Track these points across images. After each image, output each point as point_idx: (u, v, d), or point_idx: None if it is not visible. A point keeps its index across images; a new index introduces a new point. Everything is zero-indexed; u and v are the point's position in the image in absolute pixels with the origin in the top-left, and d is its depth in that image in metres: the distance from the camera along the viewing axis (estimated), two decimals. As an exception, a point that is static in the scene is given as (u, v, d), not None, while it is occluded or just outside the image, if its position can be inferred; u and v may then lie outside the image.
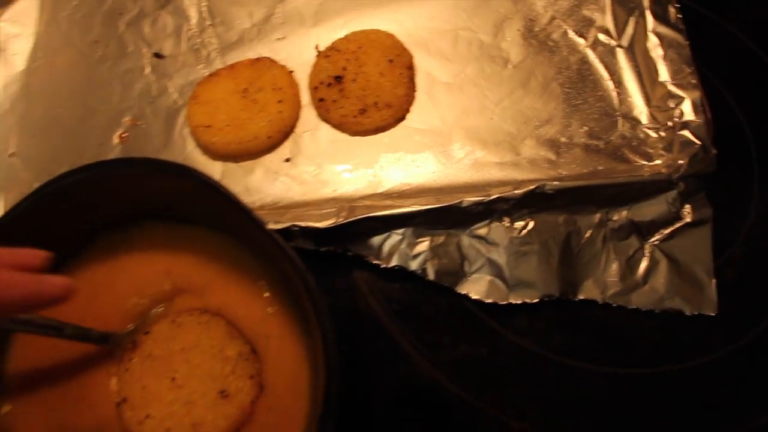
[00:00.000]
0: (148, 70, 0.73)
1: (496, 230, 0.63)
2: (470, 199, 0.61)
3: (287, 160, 0.68)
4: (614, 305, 0.62)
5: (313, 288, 0.47)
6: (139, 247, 0.58)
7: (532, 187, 0.62)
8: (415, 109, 0.70)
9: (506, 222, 0.63)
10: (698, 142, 0.64)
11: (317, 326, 0.47)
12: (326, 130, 0.69)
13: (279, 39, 0.74)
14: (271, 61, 0.71)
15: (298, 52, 0.73)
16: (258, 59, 0.71)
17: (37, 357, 0.57)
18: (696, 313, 0.62)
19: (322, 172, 0.67)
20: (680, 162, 0.63)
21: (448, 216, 0.62)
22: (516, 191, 0.62)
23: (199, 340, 0.55)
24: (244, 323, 0.55)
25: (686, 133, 0.64)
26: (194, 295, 0.57)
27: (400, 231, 0.63)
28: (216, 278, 0.57)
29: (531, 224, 0.63)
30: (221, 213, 0.54)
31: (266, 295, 0.56)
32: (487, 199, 0.61)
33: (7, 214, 0.51)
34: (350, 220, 0.61)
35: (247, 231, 0.53)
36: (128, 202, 0.55)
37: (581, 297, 0.62)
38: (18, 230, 0.52)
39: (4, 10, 0.76)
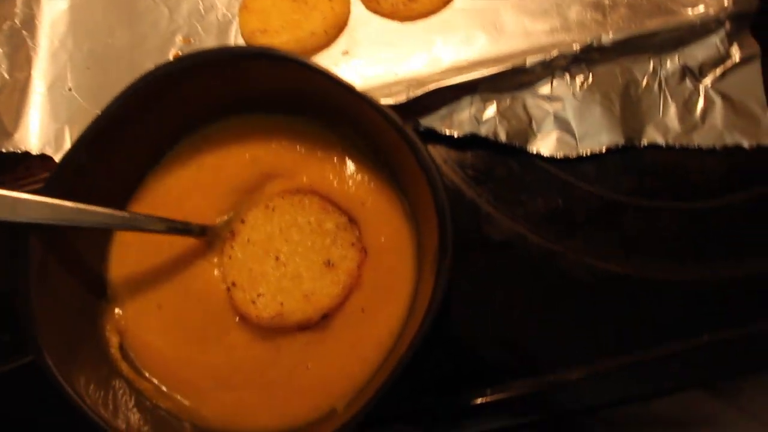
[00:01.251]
0: None
1: (558, 87, 0.65)
2: (532, 58, 0.63)
3: (345, 53, 0.70)
4: (677, 146, 0.65)
5: (417, 142, 0.50)
6: (223, 141, 0.60)
7: (588, 40, 0.64)
8: (461, -9, 0.72)
9: (567, 78, 0.65)
10: (739, -19, 0.67)
11: (422, 173, 0.50)
12: (377, 20, 0.71)
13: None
14: (314, -41, 0.73)
15: (338, -50, 0.75)
16: (299, -42, 0.74)
17: (137, 259, 0.59)
18: (755, 144, 0.65)
19: (381, 59, 0.69)
20: (725, 3, 0.65)
21: (511, 79, 0.65)
22: (574, 45, 0.64)
23: (295, 219, 0.57)
24: (338, 196, 0.58)
25: None
26: (284, 178, 0.59)
27: (468, 98, 0.65)
28: (302, 159, 0.59)
29: (591, 77, 0.65)
30: (311, 96, 0.57)
31: (353, 167, 0.59)
32: (549, 57, 0.63)
33: (116, 99, 0.52)
34: (422, 92, 0.63)
35: (342, 108, 0.56)
36: (220, 93, 0.57)
37: (645, 142, 0.65)
38: (121, 117, 0.53)
39: None
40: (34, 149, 0.69)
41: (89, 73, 0.73)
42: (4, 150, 0.68)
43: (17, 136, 0.69)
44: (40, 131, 0.70)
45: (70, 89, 0.72)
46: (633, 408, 0.72)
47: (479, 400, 0.59)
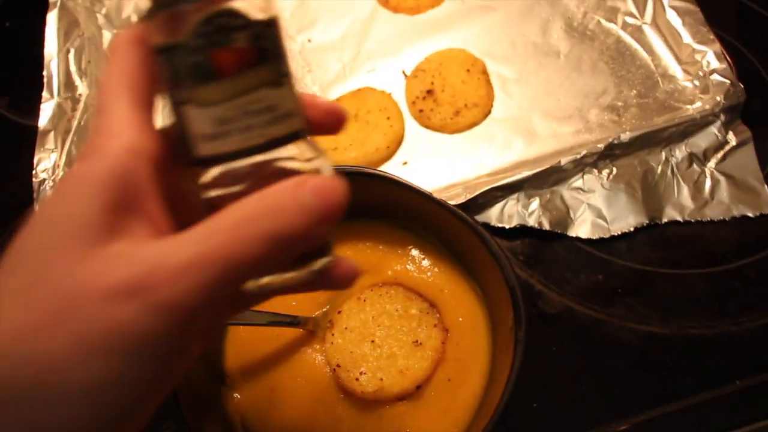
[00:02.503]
0: None
1: (588, 180, 0.79)
2: (566, 158, 0.77)
3: (405, 163, 0.83)
4: (693, 221, 0.78)
5: (487, 235, 0.62)
6: None
7: (610, 139, 0.78)
8: (496, 104, 0.86)
9: (595, 172, 0.79)
10: (727, 80, 0.81)
11: (493, 260, 0.62)
12: (429, 134, 0.85)
13: (369, 71, 0.90)
14: (370, 89, 0.87)
15: (389, 78, 0.89)
16: (359, 89, 0.87)
17: (250, 350, 0.70)
18: (758, 213, 0.78)
19: (435, 166, 0.82)
20: (717, 98, 0.80)
21: (549, 176, 0.78)
22: (599, 145, 0.78)
23: (384, 308, 0.69)
24: (419, 285, 0.70)
25: (715, 77, 0.82)
26: (371, 273, 0.71)
27: (514, 196, 0.78)
28: (385, 256, 0.71)
29: (615, 170, 0.79)
30: (390, 202, 0.69)
31: (429, 260, 0.71)
32: (579, 155, 0.77)
33: None
34: (477, 193, 0.76)
35: (416, 211, 0.68)
36: None
37: (666, 219, 0.78)
38: None
39: None
40: None
41: None
42: None
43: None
44: None
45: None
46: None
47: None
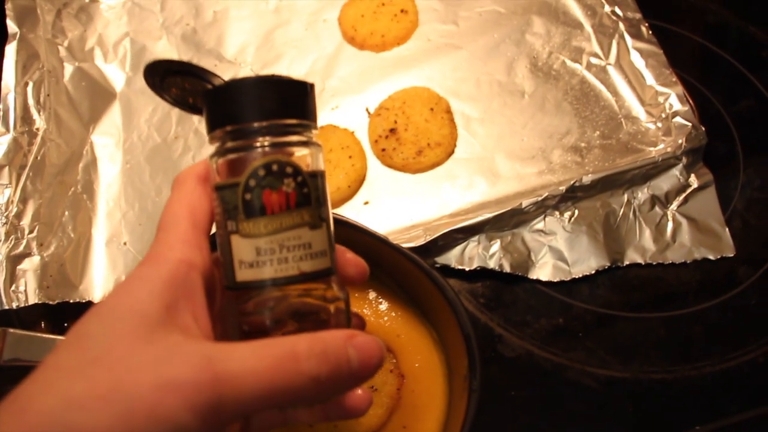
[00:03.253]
0: None
1: (550, 222, 0.79)
2: (527, 200, 0.77)
3: (366, 203, 0.83)
4: (654, 263, 0.78)
5: (442, 281, 0.62)
6: None
7: (572, 181, 0.78)
8: (460, 144, 0.86)
9: (557, 215, 0.79)
10: (689, 123, 0.81)
11: (448, 306, 0.62)
12: (392, 174, 0.85)
13: (333, 109, 0.90)
14: (333, 126, 0.87)
15: (353, 116, 0.89)
16: (322, 127, 0.87)
17: None
18: (719, 256, 0.78)
19: (397, 206, 0.82)
20: (679, 141, 0.80)
21: (510, 218, 0.78)
22: (560, 187, 0.78)
23: None
24: (376, 330, 0.69)
25: (678, 119, 0.82)
26: None
27: (475, 238, 0.78)
28: None
29: (576, 212, 0.79)
30: (352, 246, 0.68)
31: (386, 305, 0.70)
32: (540, 198, 0.77)
33: None
34: (437, 235, 0.76)
35: (374, 255, 0.68)
36: None
37: (627, 262, 0.78)
38: None
39: (95, 126, 0.90)
40: (97, 298, 0.79)
41: (141, 228, 0.84)
42: (71, 300, 0.78)
43: (82, 287, 0.80)
44: (101, 282, 0.80)
45: (125, 243, 0.83)
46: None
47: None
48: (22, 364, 0.58)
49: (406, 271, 0.66)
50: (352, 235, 0.66)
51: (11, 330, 0.58)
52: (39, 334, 0.59)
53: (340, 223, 0.66)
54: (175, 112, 0.91)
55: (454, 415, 0.61)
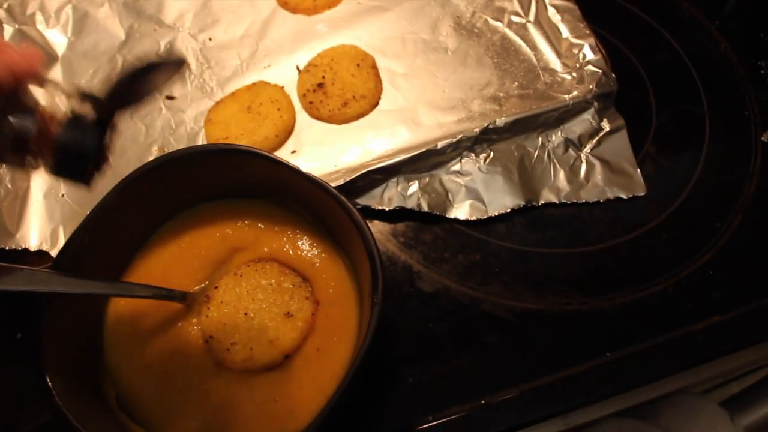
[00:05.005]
0: (164, 110, 0.91)
1: (466, 164, 0.83)
2: (442, 142, 0.81)
3: (293, 152, 0.87)
4: (568, 203, 0.82)
5: (348, 205, 0.66)
6: (197, 224, 0.75)
7: (485, 124, 0.82)
8: (384, 97, 0.90)
9: (472, 156, 0.83)
10: (600, 70, 0.86)
11: (354, 228, 0.66)
12: (319, 125, 0.89)
13: (265, 67, 0.94)
14: (264, 83, 0.91)
15: (283, 73, 0.93)
16: (254, 84, 0.91)
17: (128, 327, 0.72)
18: (631, 195, 0.83)
19: (323, 155, 0.86)
20: (591, 87, 0.85)
21: (427, 160, 0.82)
22: (475, 129, 0.82)
23: (259, 282, 0.72)
24: (293, 261, 0.73)
25: (590, 67, 0.87)
26: (248, 250, 0.74)
27: (394, 179, 0.82)
28: (263, 234, 0.74)
29: (491, 154, 0.83)
30: (268, 180, 0.73)
31: (304, 237, 0.74)
32: (454, 139, 0.81)
33: (111, 191, 0.68)
34: (356, 175, 0.79)
35: (291, 189, 0.72)
36: (194, 185, 0.72)
37: (542, 202, 0.82)
38: (116, 205, 0.68)
39: None
40: (33, 246, 0.83)
41: None
42: (7, 247, 0.82)
43: (18, 235, 0.83)
44: (38, 231, 0.84)
45: (62, 195, 0.87)
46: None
47: (422, 426, 0.72)
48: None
49: (320, 202, 0.69)
50: (270, 168, 0.70)
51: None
52: None
53: (258, 155, 0.70)
54: (116, 72, 0.96)
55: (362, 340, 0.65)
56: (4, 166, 0.87)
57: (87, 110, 0.61)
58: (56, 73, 0.95)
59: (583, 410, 0.75)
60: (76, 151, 0.59)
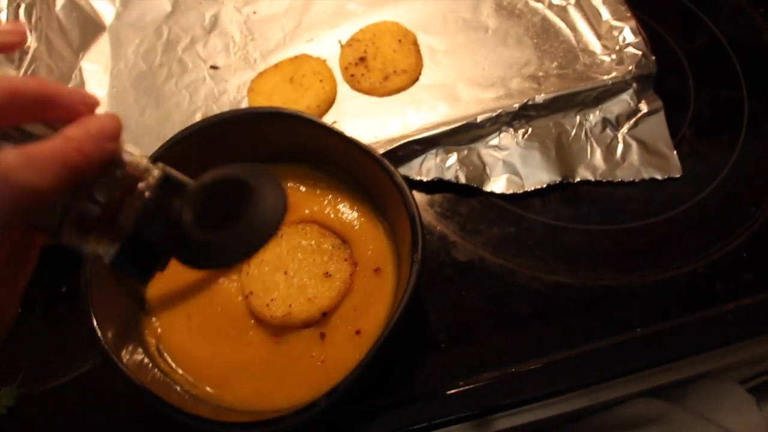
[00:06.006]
0: (208, 79, 0.94)
1: (504, 139, 0.84)
2: (482, 115, 0.83)
3: (334, 122, 0.89)
4: (604, 181, 0.83)
5: (391, 168, 0.68)
6: None
7: (525, 100, 0.84)
8: (425, 72, 0.92)
9: (511, 131, 0.85)
10: (640, 52, 0.87)
11: (396, 191, 0.68)
12: (360, 97, 0.91)
13: (308, 41, 0.96)
14: (307, 56, 0.94)
15: (325, 47, 0.96)
16: (296, 56, 0.94)
17: (170, 278, 0.74)
18: (666, 177, 0.84)
19: (363, 126, 0.88)
20: (630, 68, 0.86)
21: (466, 133, 0.84)
22: (514, 105, 0.84)
23: (299, 243, 0.74)
24: (333, 223, 0.75)
25: (630, 49, 0.88)
26: (290, 212, 0.75)
27: (433, 151, 0.83)
28: (304, 197, 0.76)
29: (530, 130, 0.85)
30: (311, 145, 0.75)
31: (344, 200, 0.76)
32: (494, 113, 0.83)
33: (157, 151, 0.70)
34: (396, 145, 0.82)
35: (333, 154, 0.74)
36: (239, 148, 0.73)
37: (578, 179, 0.83)
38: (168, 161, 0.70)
39: (84, 53, 0.98)
40: None
41: None
42: None
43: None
44: None
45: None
46: (592, 419, 0.87)
47: (452, 390, 0.74)
48: None
49: (362, 166, 0.71)
50: (314, 132, 0.72)
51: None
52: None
53: (302, 119, 0.73)
54: (162, 42, 0.99)
55: (401, 298, 0.67)
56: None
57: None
58: (104, 44, 0.99)
59: (609, 387, 0.76)
60: (157, 234, 0.47)
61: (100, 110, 0.94)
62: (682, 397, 0.87)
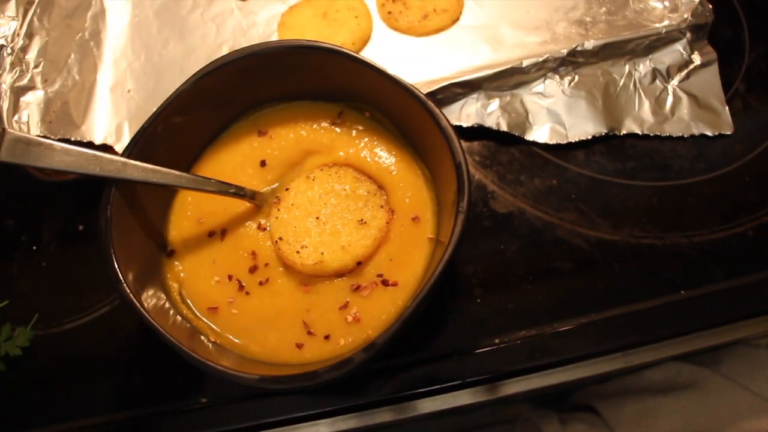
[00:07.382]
0: (236, 11, 0.88)
1: (549, 86, 0.80)
2: (527, 60, 0.78)
3: (369, 61, 0.86)
4: (651, 135, 0.79)
5: (437, 111, 0.63)
6: (271, 124, 0.73)
7: (574, 45, 0.79)
8: (466, 12, 0.87)
9: (557, 78, 0.80)
10: (696, 0, 0.83)
11: (441, 135, 0.64)
12: (397, 36, 0.86)
13: (343, -25, 0.91)
14: (341, -10, 0.89)
15: (362, -18, 0.90)
16: (330, -9, 0.89)
17: (195, 221, 0.71)
18: (717, 133, 0.79)
19: (400, 67, 0.83)
20: (685, 16, 0.81)
21: (510, 78, 0.79)
22: (562, 50, 0.79)
23: (333, 187, 0.70)
24: (369, 167, 0.71)
25: None
26: (323, 154, 0.72)
27: (474, 95, 0.79)
28: (339, 138, 0.72)
29: (576, 78, 0.80)
30: (348, 84, 0.70)
31: (381, 143, 0.72)
32: (540, 58, 0.78)
33: (187, 81, 0.66)
34: (436, 87, 0.77)
35: (372, 93, 0.70)
36: (272, 83, 0.70)
37: (624, 132, 0.79)
38: (191, 97, 0.66)
39: None
40: (98, 139, 0.81)
41: (146, 78, 0.86)
42: (72, 138, 0.80)
43: (84, 128, 0.81)
44: (104, 124, 0.82)
45: (129, 91, 0.85)
46: (621, 381, 0.85)
47: (487, 348, 0.71)
48: (17, 164, 0.59)
49: (403, 107, 0.66)
50: (352, 68, 0.67)
51: (9, 130, 0.59)
52: (38, 138, 0.60)
53: (342, 55, 0.68)
54: (186, -29, 0.94)
55: (440, 249, 0.62)
56: (72, 56, 0.86)
57: None
58: None
59: (644, 350, 0.73)
60: None
61: (121, 41, 0.91)
62: (716, 363, 0.84)
